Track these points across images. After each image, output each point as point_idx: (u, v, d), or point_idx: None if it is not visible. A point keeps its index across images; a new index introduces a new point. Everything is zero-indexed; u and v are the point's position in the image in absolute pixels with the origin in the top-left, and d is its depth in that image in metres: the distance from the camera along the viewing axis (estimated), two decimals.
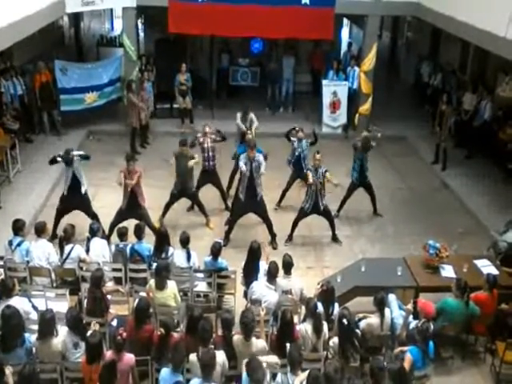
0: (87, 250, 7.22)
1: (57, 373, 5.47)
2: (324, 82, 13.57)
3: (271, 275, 6.43)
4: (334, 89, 13.40)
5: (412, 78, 17.35)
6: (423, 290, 7.02)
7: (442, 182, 11.44)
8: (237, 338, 5.52)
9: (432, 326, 6.18)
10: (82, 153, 8.75)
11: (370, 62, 12.85)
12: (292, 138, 9.81)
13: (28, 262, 6.97)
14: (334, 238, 9.14)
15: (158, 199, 9.40)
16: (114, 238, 7.97)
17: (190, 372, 5.36)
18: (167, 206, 9.15)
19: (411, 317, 6.27)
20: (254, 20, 12.13)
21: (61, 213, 8.57)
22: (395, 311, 6.44)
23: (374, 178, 9.74)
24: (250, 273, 6.93)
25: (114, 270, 7.09)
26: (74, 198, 8.49)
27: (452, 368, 6.62)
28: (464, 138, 12.45)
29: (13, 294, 6.03)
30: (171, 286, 6.41)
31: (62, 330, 5.65)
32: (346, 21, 19.26)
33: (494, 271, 7.11)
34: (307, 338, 5.78)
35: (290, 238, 9.09)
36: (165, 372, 5.17)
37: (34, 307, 6.20)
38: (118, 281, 7.05)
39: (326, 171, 8.58)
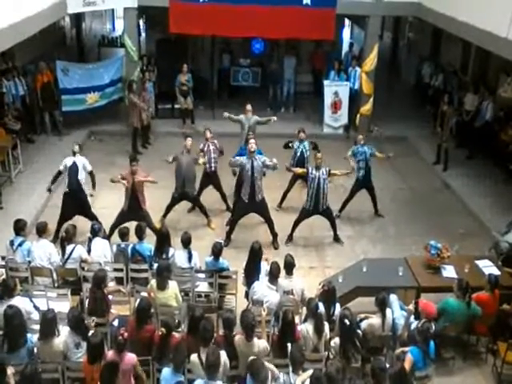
0: (89, 250, 7.23)
1: (58, 373, 5.47)
2: (325, 82, 13.57)
3: (273, 276, 6.43)
4: (335, 89, 13.40)
5: (413, 79, 17.35)
6: (425, 290, 7.01)
7: (443, 182, 11.44)
8: (238, 338, 5.52)
9: (433, 327, 6.19)
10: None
11: (371, 62, 12.84)
12: (290, 145, 9.78)
13: (29, 262, 6.97)
14: (336, 239, 9.14)
15: (159, 199, 9.40)
16: (115, 238, 7.98)
17: (191, 372, 5.36)
18: (168, 208, 9.16)
19: (412, 317, 6.26)
20: (255, 20, 12.13)
21: (64, 218, 8.54)
22: (396, 311, 6.44)
23: (375, 179, 9.74)
24: (252, 273, 6.93)
25: (116, 270, 7.09)
26: (75, 203, 8.46)
27: (453, 368, 6.62)
28: (465, 139, 12.44)
29: (14, 294, 6.04)
30: (172, 286, 6.41)
31: (64, 330, 5.65)
32: (347, 21, 19.29)
33: (496, 272, 7.11)
34: (308, 338, 5.78)
35: (290, 238, 9.08)
36: (166, 372, 5.18)
37: (36, 307, 6.21)
38: (119, 281, 7.06)
39: (329, 170, 8.59)
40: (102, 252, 7.23)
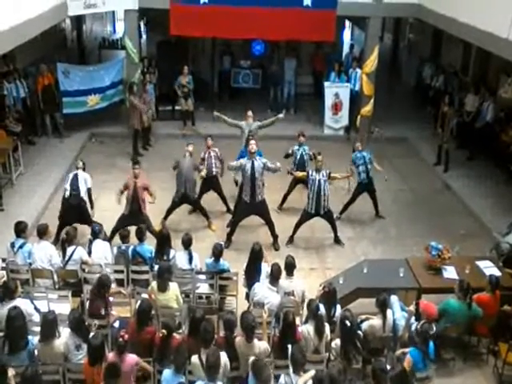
0: (89, 252, 7.23)
1: (59, 374, 5.47)
2: (326, 83, 13.57)
3: (274, 277, 6.44)
4: (335, 90, 13.41)
5: (413, 80, 17.36)
6: (425, 291, 7.00)
7: (443, 183, 11.43)
8: (239, 339, 5.52)
9: (434, 328, 6.18)
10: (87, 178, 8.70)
11: (371, 63, 12.84)
12: (290, 151, 9.75)
13: (30, 263, 6.97)
14: (337, 240, 9.13)
15: (159, 201, 9.37)
16: (116, 239, 8.00)
17: (192, 374, 5.36)
18: (169, 211, 9.16)
19: (413, 318, 6.25)
20: (256, 22, 12.14)
21: (63, 224, 8.51)
22: (397, 313, 6.43)
23: (375, 180, 9.72)
24: (252, 274, 6.92)
25: (116, 271, 7.09)
26: (75, 211, 8.42)
27: (454, 370, 6.60)
28: (466, 140, 12.43)
29: (15, 296, 6.04)
30: (173, 287, 6.41)
31: (65, 332, 5.65)
32: (347, 22, 19.31)
33: (497, 272, 7.09)
34: (309, 339, 5.77)
35: (291, 239, 9.08)
36: (167, 373, 5.18)
37: (37, 309, 6.20)
38: (119, 283, 7.05)
39: (329, 173, 8.60)
40: (102, 254, 7.24)
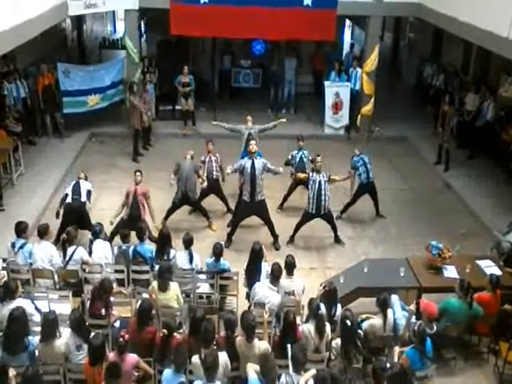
0: (90, 252, 7.24)
1: (60, 375, 5.48)
2: (326, 83, 13.57)
3: (274, 277, 6.44)
4: (336, 90, 13.40)
5: (414, 79, 17.35)
6: (426, 290, 7.00)
7: (444, 182, 11.42)
8: (239, 339, 5.52)
9: (435, 327, 6.19)
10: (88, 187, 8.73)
11: (372, 63, 12.83)
12: (289, 158, 9.74)
13: (31, 263, 6.97)
14: (337, 240, 9.13)
15: (159, 201, 9.42)
16: (116, 239, 8.00)
17: (193, 373, 5.36)
18: (169, 213, 9.15)
19: (414, 317, 6.25)
20: (256, 22, 12.12)
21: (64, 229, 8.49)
22: (398, 312, 6.42)
23: (376, 179, 9.71)
24: (253, 274, 6.93)
25: (117, 271, 7.10)
26: (75, 216, 8.39)
27: (455, 369, 6.60)
28: (466, 139, 12.42)
29: (16, 296, 6.05)
30: (174, 287, 6.42)
31: (65, 332, 5.66)
32: (348, 22, 19.30)
33: (497, 272, 7.09)
34: (310, 338, 5.78)
35: (291, 239, 9.09)
36: (167, 373, 5.19)
37: (37, 309, 6.21)
38: (120, 282, 7.06)
39: (329, 175, 8.63)
40: (103, 254, 7.24)
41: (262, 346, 5.52)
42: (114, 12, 21.89)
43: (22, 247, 7.08)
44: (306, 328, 5.84)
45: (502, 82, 12.62)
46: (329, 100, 13.44)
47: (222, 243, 7.59)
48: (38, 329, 5.65)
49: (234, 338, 5.55)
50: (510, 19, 8.19)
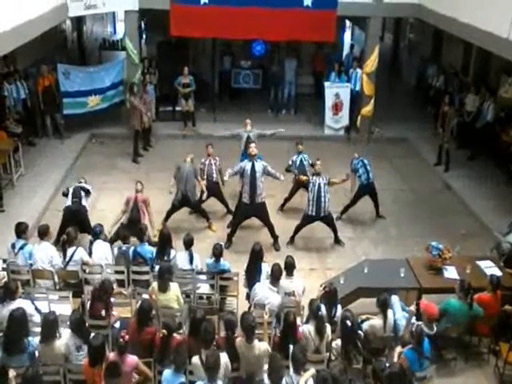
0: (90, 253, 7.23)
1: (60, 375, 5.47)
2: (326, 84, 13.57)
3: (274, 278, 6.44)
4: (336, 91, 13.41)
5: (414, 80, 17.35)
6: (426, 291, 6.99)
7: (444, 183, 11.42)
8: (239, 340, 5.52)
9: (435, 328, 6.19)
10: (87, 187, 8.69)
11: (372, 63, 12.84)
12: (289, 163, 9.73)
13: (31, 264, 6.97)
14: (337, 241, 9.13)
15: (159, 201, 9.42)
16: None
17: (193, 374, 5.36)
18: (168, 214, 9.13)
19: (414, 318, 6.25)
20: (256, 22, 12.13)
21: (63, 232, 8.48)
22: (398, 312, 6.41)
23: (376, 180, 9.71)
24: (253, 275, 6.92)
25: (117, 272, 7.09)
26: (75, 219, 8.34)
27: (455, 369, 6.59)
28: (466, 140, 12.43)
29: (16, 297, 6.04)
30: (174, 288, 6.41)
31: (65, 333, 5.65)
32: (348, 23, 19.31)
33: (498, 272, 7.09)
34: (310, 339, 5.77)
35: (291, 240, 9.08)
36: (168, 373, 5.18)
37: (37, 310, 6.20)
38: (120, 283, 7.05)
39: (329, 178, 8.67)
40: (103, 254, 7.23)
41: (261, 346, 5.52)
42: (114, 13, 21.93)
43: (22, 248, 7.08)
44: (307, 329, 5.84)
45: (502, 83, 12.63)
46: (329, 101, 13.45)
47: (222, 244, 7.59)
48: (38, 329, 5.64)
49: (234, 338, 5.54)
50: (510, 20, 8.19)
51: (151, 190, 10.14)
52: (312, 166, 9.31)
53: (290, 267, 6.59)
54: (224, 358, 5.21)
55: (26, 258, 7.05)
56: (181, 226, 9.20)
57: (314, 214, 8.64)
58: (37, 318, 6.05)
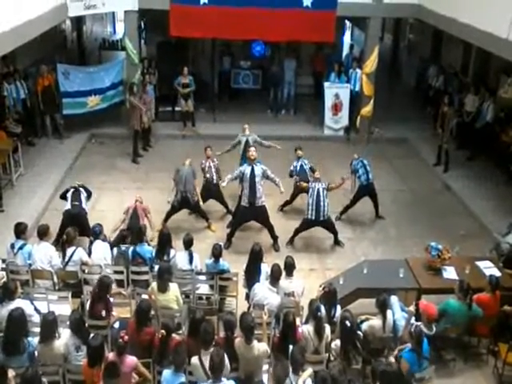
0: (89, 253, 7.23)
1: (59, 375, 5.47)
2: (326, 84, 13.57)
3: (274, 278, 6.44)
4: (335, 91, 13.41)
5: (414, 80, 17.35)
6: (425, 291, 6.99)
7: (443, 183, 11.42)
8: (238, 340, 5.52)
9: (434, 328, 6.19)
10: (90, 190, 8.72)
11: (371, 64, 12.84)
12: (291, 169, 9.73)
13: (30, 264, 6.97)
14: (336, 242, 9.13)
15: (158, 201, 9.43)
16: None
17: (192, 375, 5.36)
18: (168, 215, 9.12)
19: (413, 319, 6.25)
20: (256, 23, 12.13)
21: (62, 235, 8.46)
22: (397, 313, 6.43)
23: (375, 180, 9.71)
24: (252, 275, 6.93)
25: (116, 272, 7.08)
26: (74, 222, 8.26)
27: (454, 370, 6.60)
28: (466, 140, 12.43)
29: (15, 297, 6.04)
30: (173, 288, 6.42)
31: (65, 333, 5.65)
32: (347, 23, 19.30)
33: (497, 273, 7.09)
34: (309, 339, 5.78)
35: (291, 241, 9.08)
36: (167, 373, 5.18)
37: (37, 310, 6.20)
38: (119, 283, 7.05)
39: (328, 184, 8.71)
40: (102, 254, 7.23)
41: (261, 347, 5.52)
42: (113, 13, 21.91)
43: (21, 248, 7.08)
44: (306, 329, 5.84)
45: (501, 83, 12.63)
46: (328, 101, 13.45)
47: (222, 244, 7.59)
48: (38, 330, 5.64)
49: (233, 339, 5.54)
50: (510, 20, 8.20)
51: (151, 190, 10.18)
52: (312, 170, 9.40)
53: (289, 267, 6.59)
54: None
55: (25, 258, 7.05)
56: (180, 226, 9.20)
57: (313, 218, 8.64)
58: (36, 318, 6.05)
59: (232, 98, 15.58)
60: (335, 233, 9.04)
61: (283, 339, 5.74)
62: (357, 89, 13.38)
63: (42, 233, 7.19)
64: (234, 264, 7.44)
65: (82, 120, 12.93)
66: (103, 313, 6.18)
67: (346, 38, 19.64)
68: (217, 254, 7.03)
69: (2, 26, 8.12)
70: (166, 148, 12.61)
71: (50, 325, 5.52)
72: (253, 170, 8.50)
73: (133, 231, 7.78)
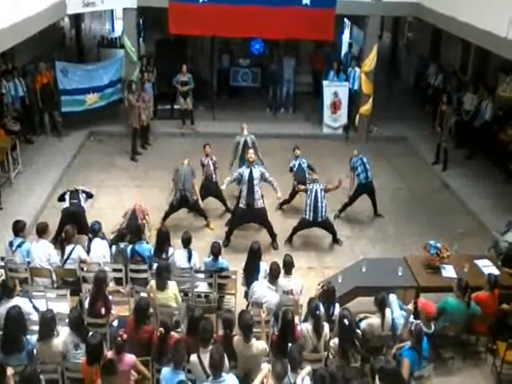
0: (88, 251, 7.23)
1: (57, 373, 5.47)
2: (325, 82, 13.57)
3: (272, 276, 6.44)
4: (334, 89, 13.40)
5: (412, 79, 17.35)
6: (424, 290, 7.01)
7: (442, 182, 11.43)
8: (237, 338, 5.52)
9: (433, 326, 6.19)
10: (87, 190, 8.71)
11: (370, 62, 12.83)
12: (291, 166, 9.71)
13: (29, 262, 6.97)
14: (335, 240, 9.13)
15: (158, 200, 9.43)
16: None
17: (191, 373, 5.36)
18: (167, 215, 9.10)
19: (412, 317, 6.26)
20: (255, 21, 12.12)
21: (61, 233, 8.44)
22: (396, 311, 6.43)
23: (374, 179, 9.71)
24: (251, 273, 6.93)
25: (115, 270, 7.08)
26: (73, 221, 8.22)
27: (453, 368, 6.61)
28: (465, 139, 12.44)
29: (14, 295, 6.04)
30: (172, 286, 6.41)
31: (64, 331, 5.65)
32: (346, 22, 19.29)
33: (495, 271, 7.10)
34: (308, 338, 5.78)
35: (289, 239, 9.08)
36: (166, 371, 5.17)
37: (35, 308, 6.20)
38: (118, 281, 7.05)
39: (325, 185, 8.73)
40: (101, 252, 7.22)
41: (259, 345, 5.51)
42: (112, 11, 21.83)
43: (19, 246, 7.07)
44: (305, 327, 5.84)
45: (500, 82, 12.62)
46: (327, 99, 13.44)
47: (220, 242, 7.59)
48: (36, 328, 5.64)
49: (231, 337, 5.54)
50: (509, 19, 8.20)
51: (149, 188, 10.19)
52: (310, 168, 9.43)
53: (288, 266, 6.60)
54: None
55: (23, 256, 7.05)
56: (179, 225, 9.19)
57: (311, 219, 8.64)
58: (35, 316, 6.05)
59: (231, 96, 15.56)
60: (334, 233, 9.05)
61: (282, 337, 5.74)
62: (356, 87, 13.36)
63: (41, 231, 7.18)
64: (233, 262, 7.44)
65: (81, 118, 12.91)
66: (102, 311, 6.18)
67: (345, 37, 19.64)
68: (216, 252, 7.03)
69: (1, 23, 8.10)
70: (164, 146, 12.60)
71: (48, 323, 5.52)
72: (251, 172, 8.50)
73: (131, 230, 7.77)
